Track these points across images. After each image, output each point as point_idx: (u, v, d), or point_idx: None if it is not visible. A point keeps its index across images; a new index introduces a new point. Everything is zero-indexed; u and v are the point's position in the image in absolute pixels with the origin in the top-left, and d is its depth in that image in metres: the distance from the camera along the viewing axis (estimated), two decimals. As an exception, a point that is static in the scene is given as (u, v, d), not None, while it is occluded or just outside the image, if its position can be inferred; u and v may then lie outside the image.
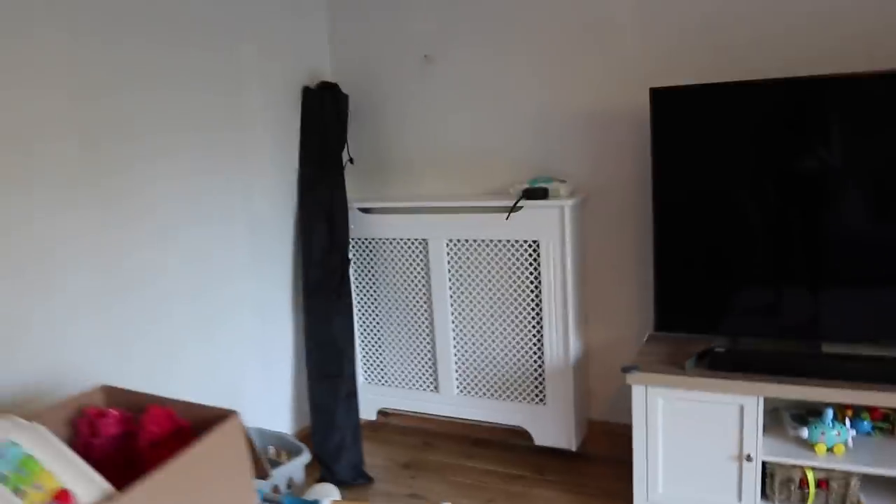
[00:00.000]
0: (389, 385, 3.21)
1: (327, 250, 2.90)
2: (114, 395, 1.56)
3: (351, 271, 3.10)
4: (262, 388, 2.86)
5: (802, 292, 2.28)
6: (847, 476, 2.22)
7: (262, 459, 1.44)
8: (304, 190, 2.94)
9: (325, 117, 2.93)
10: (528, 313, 2.84)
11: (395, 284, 3.09)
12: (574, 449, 2.89)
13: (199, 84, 2.51)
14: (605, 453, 2.93)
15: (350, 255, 3.04)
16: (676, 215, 2.40)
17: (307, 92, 2.96)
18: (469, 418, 3.10)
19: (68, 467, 1.19)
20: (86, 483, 1.17)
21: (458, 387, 3.05)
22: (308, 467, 2.68)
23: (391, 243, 3.05)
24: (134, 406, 1.50)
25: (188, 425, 1.45)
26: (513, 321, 2.88)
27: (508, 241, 2.81)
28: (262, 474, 1.46)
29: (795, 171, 2.22)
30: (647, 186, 2.69)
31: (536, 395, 2.90)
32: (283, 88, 2.90)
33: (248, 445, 1.40)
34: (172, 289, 2.41)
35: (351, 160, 3.14)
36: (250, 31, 2.72)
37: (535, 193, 2.70)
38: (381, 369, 3.21)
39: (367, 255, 3.11)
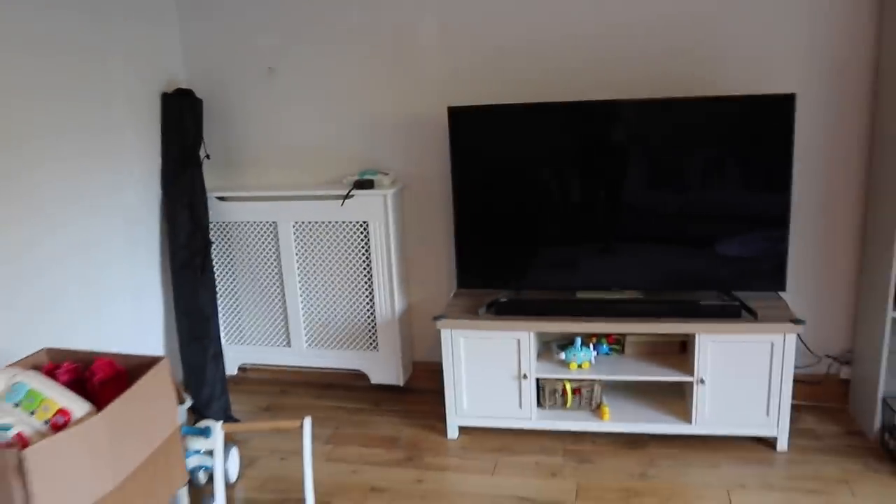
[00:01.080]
0: (248, 344, 3.72)
1: (190, 234, 3.37)
2: (57, 354, 2.06)
3: (213, 251, 3.56)
4: (140, 352, 3.32)
5: (560, 255, 3.05)
6: (592, 383, 3.03)
7: (179, 390, 2.01)
8: (167, 184, 3.39)
9: (183, 121, 3.38)
10: (362, 279, 3.49)
11: (250, 260, 3.60)
12: (402, 384, 3.55)
13: (72, 94, 2.84)
14: (427, 386, 3.59)
15: (211, 238, 3.54)
16: (470, 200, 3.05)
17: (166, 98, 3.38)
18: (317, 366, 3.67)
19: (62, 395, 1.72)
20: (76, 404, 1.72)
21: (306, 341, 3.62)
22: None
23: (246, 226, 3.55)
24: (76, 360, 2.02)
25: (125, 370, 2.00)
26: (350, 286, 3.51)
27: (344, 222, 3.41)
28: (181, 401, 2.04)
29: (555, 169, 2.97)
30: (449, 177, 3.35)
31: (371, 344, 3.55)
32: (145, 95, 3.29)
33: (172, 381, 1.99)
34: (64, 277, 2.81)
35: (208, 156, 3.59)
36: (114, 44, 3.07)
37: (364, 184, 3.32)
38: (241, 331, 3.72)
39: (226, 236, 3.60)
